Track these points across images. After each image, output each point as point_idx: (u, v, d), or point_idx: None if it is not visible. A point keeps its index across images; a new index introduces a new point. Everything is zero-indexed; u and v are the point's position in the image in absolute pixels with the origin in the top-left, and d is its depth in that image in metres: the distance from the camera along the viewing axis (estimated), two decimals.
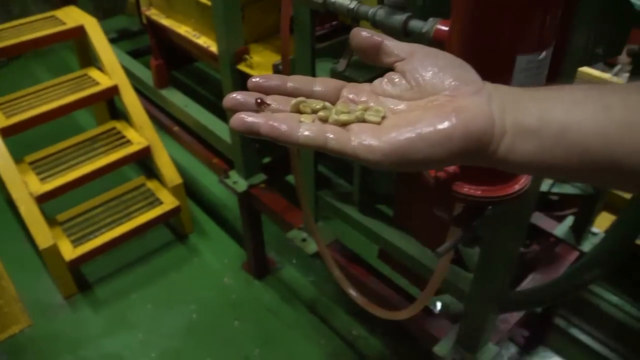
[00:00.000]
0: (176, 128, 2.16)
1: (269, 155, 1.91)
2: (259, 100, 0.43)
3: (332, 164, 1.92)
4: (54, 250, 1.88)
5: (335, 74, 1.11)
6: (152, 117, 2.23)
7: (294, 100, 0.44)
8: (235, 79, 1.57)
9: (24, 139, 2.08)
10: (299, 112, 0.44)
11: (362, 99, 0.46)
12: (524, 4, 0.62)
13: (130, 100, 2.10)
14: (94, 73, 2.22)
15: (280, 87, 0.46)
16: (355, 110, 0.44)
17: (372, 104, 0.45)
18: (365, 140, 0.40)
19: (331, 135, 0.41)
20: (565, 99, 0.40)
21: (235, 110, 0.43)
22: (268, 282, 2.09)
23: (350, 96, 0.46)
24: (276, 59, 1.54)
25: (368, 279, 1.44)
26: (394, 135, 0.40)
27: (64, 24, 2.20)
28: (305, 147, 0.41)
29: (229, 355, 1.84)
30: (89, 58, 2.37)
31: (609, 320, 1.85)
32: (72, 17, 2.24)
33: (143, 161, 2.35)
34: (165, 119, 2.23)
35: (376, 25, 0.85)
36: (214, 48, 1.67)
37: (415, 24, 0.80)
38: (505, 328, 1.32)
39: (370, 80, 0.48)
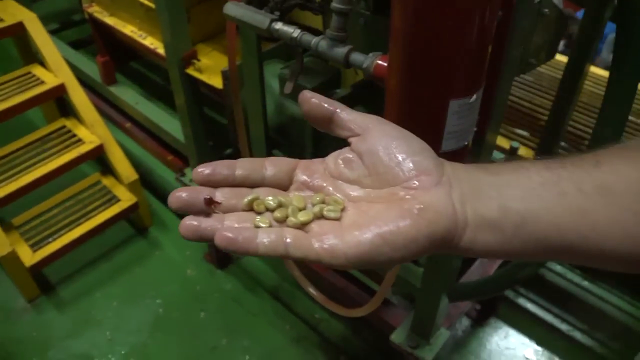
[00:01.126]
0: (128, 125, 2.14)
1: (223, 151, 1.93)
2: (207, 198, 0.41)
3: (288, 150, 1.95)
4: (12, 256, 1.87)
5: (285, 93, 1.13)
6: (103, 113, 2.20)
7: (246, 199, 0.42)
8: (185, 83, 1.57)
9: None
10: (252, 209, 0.42)
11: (316, 182, 0.45)
12: (454, 53, 0.67)
13: (79, 98, 2.07)
14: (38, 70, 2.17)
15: (229, 178, 0.43)
16: (313, 206, 0.42)
17: (330, 188, 0.44)
18: (326, 243, 0.39)
19: (291, 241, 0.39)
20: (523, 185, 0.41)
21: (182, 211, 0.41)
22: (230, 271, 2.13)
23: (304, 178, 0.45)
24: (225, 60, 1.54)
25: (326, 273, 1.51)
26: (357, 238, 0.39)
27: (1, 20, 2.13)
28: (266, 256, 0.40)
29: (197, 347, 1.90)
30: (31, 54, 2.30)
31: (553, 288, 1.98)
32: (9, 12, 2.17)
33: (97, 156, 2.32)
34: (116, 116, 2.21)
35: (319, 55, 0.89)
36: (161, 50, 1.66)
37: (357, 57, 0.84)
38: (456, 312, 1.41)
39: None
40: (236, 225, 0.41)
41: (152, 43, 1.73)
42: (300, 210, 0.42)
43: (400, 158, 0.41)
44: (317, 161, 0.46)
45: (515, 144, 1.52)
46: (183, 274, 2.13)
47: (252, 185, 0.44)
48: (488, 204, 0.40)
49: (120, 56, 2.13)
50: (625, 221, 0.39)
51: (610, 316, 1.91)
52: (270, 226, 0.41)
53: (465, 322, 1.90)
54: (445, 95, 0.68)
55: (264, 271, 2.13)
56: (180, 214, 0.43)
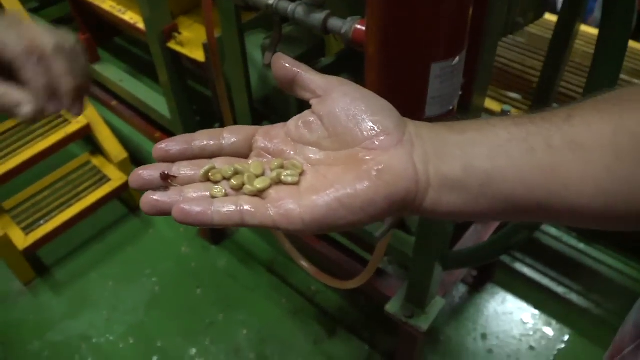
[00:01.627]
0: (114, 102, 2.11)
1: (210, 125, 1.90)
2: (163, 173, 0.41)
3: (276, 122, 1.92)
4: (5, 240, 1.86)
5: (265, 64, 1.10)
6: None
7: (202, 170, 0.42)
8: (167, 58, 1.53)
9: None
10: (210, 180, 0.42)
11: (277, 148, 0.43)
12: (433, 15, 0.64)
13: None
14: None
15: (187, 151, 0.43)
16: (271, 171, 0.41)
17: (290, 152, 0.43)
18: (283, 209, 0.39)
19: (247, 208, 0.39)
20: (489, 143, 0.39)
21: (144, 189, 0.41)
22: (225, 246, 2.13)
23: (264, 144, 0.44)
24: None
25: (318, 245, 1.49)
26: (314, 202, 0.38)
27: None
28: (222, 226, 0.40)
29: (195, 323, 1.90)
30: None
31: (549, 252, 1.97)
32: None
33: (86, 136, 2.29)
34: (101, 94, 2.17)
35: (296, 22, 0.85)
36: (141, 24, 1.62)
37: (335, 22, 0.81)
38: (450, 280, 1.40)
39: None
40: (194, 195, 0.41)
41: (132, 18, 1.68)
42: (257, 177, 0.41)
43: (359, 118, 0.40)
44: (278, 126, 0.45)
45: (506, 107, 1.49)
46: (177, 251, 2.12)
47: (210, 156, 0.44)
48: (452, 164, 0.39)
49: (102, 33, 2.08)
50: (597, 177, 0.37)
51: (606, 277, 1.91)
52: (226, 195, 0.41)
53: (462, 288, 1.90)
54: (426, 58, 0.66)
55: (258, 245, 2.12)
56: None
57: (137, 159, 2.34)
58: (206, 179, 0.42)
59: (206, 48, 1.34)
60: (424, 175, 0.39)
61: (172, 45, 1.49)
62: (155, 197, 0.40)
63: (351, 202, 0.38)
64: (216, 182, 0.42)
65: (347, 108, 0.41)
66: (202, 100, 2.20)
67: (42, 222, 1.99)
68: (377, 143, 0.39)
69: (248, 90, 1.28)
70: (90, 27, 2.02)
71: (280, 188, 0.40)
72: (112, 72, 2.03)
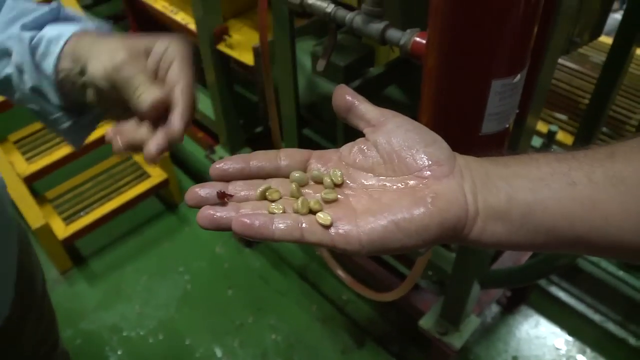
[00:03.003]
0: None
1: (253, 129, 1.92)
2: (220, 192, 0.42)
3: (319, 129, 1.92)
4: (46, 229, 1.90)
5: (318, 71, 1.11)
6: None
7: (259, 189, 0.43)
8: (216, 59, 1.55)
9: (4, 117, 2.07)
10: (266, 199, 0.43)
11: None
12: (498, 31, 0.63)
13: None
14: None
15: (244, 170, 0.45)
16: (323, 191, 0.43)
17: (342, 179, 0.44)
18: (341, 229, 0.40)
19: (306, 226, 0.40)
20: (531, 176, 0.41)
21: (199, 207, 0.42)
22: (259, 249, 2.14)
23: (318, 167, 0.46)
24: (257, 36, 1.52)
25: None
26: (371, 224, 0.39)
27: None
28: (281, 241, 0.41)
29: (224, 323, 1.91)
30: None
31: (587, 277, 1.92)
32: None
33: None
34: None
35: (354, 31, 0.86)
36: (192, 26, 1.65)
37: (393, 33, 0.81)
38: (486, 299, 1.38)
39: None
40: (251, 212, 0.42)
41: (184, 18, 1.71)
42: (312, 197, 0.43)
43: (414, 149, 0.43)
44: (331, 151, 0.47)
45: (553, 128, 1.47)
46: (212, 250, 2.14)
47: (266, 176, 0.45)
48: (497, 195, 0.41)
49: (151, 32, 2.11)
50: (639, 211, 0.38)
51: None
52: (284, 213, 0.42)
53: (494, 308, 1.87)
54: (488, 74, 0.65)
55: (292, 251, 2.12)
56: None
57: (177, 157, 2.37)
58: (263, 198, 0.43)
59: (256, 51, 1.35)
60: (472, 205, 0.41)
61: (221, 47, 1.51)
62: (212, 212, 0.41)
63: (407, 226, 0.39)
64: (272, 201, 0.43)
65: (402, 138, 0.43)
66: (246, 104, 2.22)
67: (82, 213, 2.04)
68: (430, 173, 0.41)
69: (295, 96, 1.29)
70: (141, 26, 2.06)
71: (337, 209, 0.42)
72: None
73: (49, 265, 2.06)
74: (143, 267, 2.10)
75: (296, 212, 0.42)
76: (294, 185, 0.43)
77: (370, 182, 0.43)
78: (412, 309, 1.39)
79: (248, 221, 0.40)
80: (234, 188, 0.44)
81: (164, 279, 2.06)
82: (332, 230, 0.40)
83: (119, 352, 1.84)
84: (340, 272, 1.38)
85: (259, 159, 0.45)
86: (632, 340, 1.77)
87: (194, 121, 2.03)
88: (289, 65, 1.25)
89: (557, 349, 1.77)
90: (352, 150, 0.45)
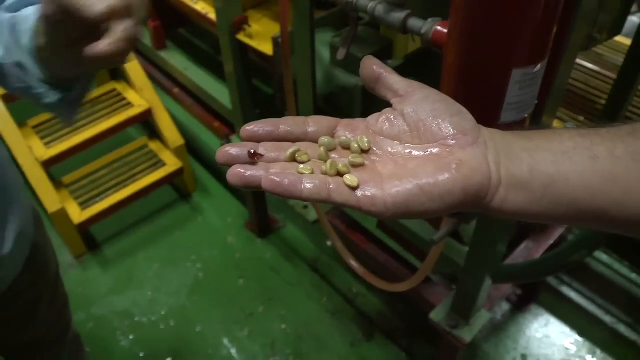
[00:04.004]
0: (176, 90, 2.16)
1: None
2: (252, 152, 0.43)
3: (339, 116, 1.93)
4: (62, 213, 1.93)
5: (334, 60, 1.12)
6: (152, 78, 2.23)
7: (289, 150, 0.44)
8: (235, 49, 1.56)
9: (24, 102, 2.09)
10: (295, 161, 0.44)
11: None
12: (520, 21, 0.64)
13: (130, 62, 2.09)
14: None
15: (274, 133, 0.46)
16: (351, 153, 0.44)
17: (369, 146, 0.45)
18: (367, 191, 0.41)
19: (334, 187, 0.41)
20: (554, 149, 0.42)
21: (229, 164, 0.43)
22: (270, 240, 2.15)
23: (346, 134, 0.47)
24: (275, 27, 1.53)
25: (368, 246, 1.50)
26: (396, 188, 0.41)
27: None
28: (309, 200, 0.42)
29: (235, 312, 1.92)
30: None
31: (598, 278, 1.92)
32: None
33: (144, 120, 2.36)
34: (165, 81, 2.23)
35: (375, 20, 0.86)
36: (212, 15, 1.66)
37: (415, 23, 0.81)
38: (497, 295, 1.38)
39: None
40: (281, 171, 0.43)
41: (204, 8, 1.72)
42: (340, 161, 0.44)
43: (440, 118, 0.44)
44: (358, 120, 0.48)
45: (569, 126, 1.47)
46: (224, 240, 2.16)
47: (295, 140, 0.46)
48: (519, 165, 0.42)
49: (170, 22, 2.13)
50: None
51: None
52: (313, 174, 0.43)
53: (505, 306, 1.87)
54: (508, 63, 0.65)
55: (303, 242, 2.14)
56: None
57: (192, 147, 2.39)
58: (292, 159, 0.44)
59: (275, 41, 1.36)
60: (495, 174, 0.42)
61: (241, 37, 1.52)
62: (242, 170, 0.42)
63: (431, 190, 0.40)
64: (301, 163, 0.44)
65: (429, 108, 0.44)
66: (262, 96, 2.23)
67: (97, 199, 2.06)
68: (455, 141, 0.43)
69: (313, 86, 1.30)
70: (161, 15, 2.08)
71: (364, 173, 0.43)
72: (177, 60, 2.09)
73: (63, 249, 2.08)
74: (155, 255, 2.12)
75: (324, 173, 0.43)
76: (322, 149, 0.44)
77: (397, 149, 0.44)
78: (423, 301, 1.39)
79: (278, 179, 0.41)
80: (264, 149, 0.44)
81: (176, 267, 2.07)
82: (359, 192, 0.41)
83: (131, 337, 1.86)
84: (352, 262, 1.39)
85: (287, 124, 0.46)
86: None
87: (209, 110, 2.05)
88: (308, 56, 1.26)
89: (567, 349, 1.77)
90: (379, 119, 0.46)
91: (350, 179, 0.42)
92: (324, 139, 0.45)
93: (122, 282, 2.03)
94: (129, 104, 2.14)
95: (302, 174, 0.42)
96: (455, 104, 0.46)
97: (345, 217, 1.57)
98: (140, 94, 2.13)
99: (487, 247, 1.14)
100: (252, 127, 0.46)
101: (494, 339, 1.80)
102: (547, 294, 1.88)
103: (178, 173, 2.17)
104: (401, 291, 1.30)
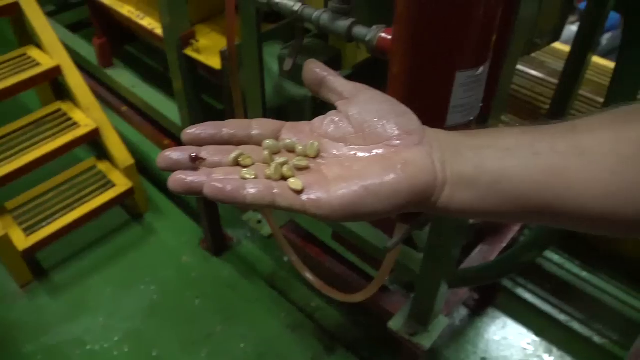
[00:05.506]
0: (124, 108, 2.11)
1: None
2: (193, 156, 0.42)
3: None
4: (5, 240, 1.85)
5: (282, 70, 1.11)
6: (99, 96, 2.17)
7: (232, 154, 0.43)
8: (183, 64, 1.54)
9: None
10: (238, 164, 0.43)
11: (302, 142, 0.46)
12: (461, 24, 0.64)
13: (75, 81, 2.04)
14: (33, 52, 2.13)
15: (216, 136, 0.45)
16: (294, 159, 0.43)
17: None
18: (312, 194, 0.41)
19: (278, 191, 0.41)
20: (498, 147, 0.42)
21: (171, 170, 0.42)
22: (226, 258, 2.12)
23: (290, 137, 0.46)
24: (224, 41, 1.51)
25: (324, 259, 1.49)
26: (342, 190, 0.40)
27: None
28: (254, 206, 0.41)
29: (192, 333, 1.88)
30: (27, 35, 2.27)
31: (552, 278, 1.96)
32: None
33: (93, 140, 2.30)
34: (112, 99, 2.17)
35: (321, 29, 0.86)
36: (159, 30, 1.63)
37: (360, 30, 0.81)
38: (455, 300, 1.39)
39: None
40: (223, 177, 0.42)
41: (150, 24, 1.70)
42: (284, 164, 0.43)
43: (385, 119, 0.44)
44: (303, 123, 0.47)
45: None
46: (178, 260, 2.11)
47: (238, 143, 0.46)
48: (465, 164, 0.42)
49: (117, 38, 2.09)
50: (601, 180, 0.39)
51: (609, 306, 1.89)
52: (257, 178, 0.42)
53: (463, 311, 1.89)
54: (452, 66, 0.66)
55: (259, 258, 2.11)
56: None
57: (143, 166, 2.34)
58: (235, 163, 0.43)
59: (223, 55, 1.35)
60: (441, 173, 0.42)
61: (188, 52, 1.50)
62: (183, 176, 0.41)
63: (378, 191, 0.40)
64: (245, 167, 0.43)
65: (374, 109, 0.45)
66: (213, 112, 2.21)
67: (44, 224, 1.98)
68: (400, 141, 0.43)
69: (263, 99, 1.29)
70: (107, 32, 2.03)
71: (309, 176, 0.42)
72: (124, 77, 2.04)
73: (8, 278, 1.99)
74: (108, 278, 2.05)
75: (268, 178, 0.42)
76: (266, 152, 0.44)
77: (342, 152, 0.44)
78: (381, 311, 1.39)
79: (220, 185, 0.40)
80: (206, 153, 0.44)
81: (130, 290, 2.01)
82: (304, 195, 0.41)
83: None
84: (309, 275, 1.38)
85: (231, 127, 0.46)
86: (596, 339, 1.81)
87: (159, 128, 2.01)
88: (256, 69, 1.25)
89: (525, 349, 1.80)
90: (324, 122, 0.46)
91: (294, 182, 0.41)
92: (268, 142, 0.45)
93: (73, 309, 1.95)
94: (75, 124, 2.08)
95: (245, 178, 0.42)
96: (400, 105, 0.46)
97: (300, 231, 1.56)
98: (86, 114, 2.07)
99: (442, 253, 1.15)
100: (193, 130, 0.45)
101: (454, 344, 1.81)
102: (503, 297, 1.91)
103: (129, 193, 2.11)
104: (359, 301, 1.30)
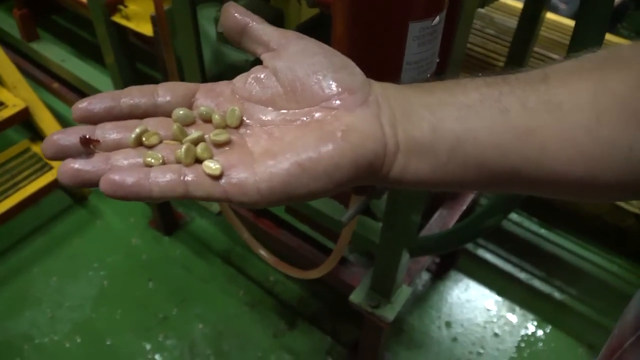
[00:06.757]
0: (56, 85, 1.96)
1: None
2: (83, 137, 0.34)
3: None
4: None
5: (219, 33, 1.01)
6: (25, 73, 2.01)
7: (133, 133, 0.35)
8: (112, 33, 1.41)
9: None
10: (142, 145, 0.35)
11: (222, 107, 0.38)
12: None
13: None
14: None
15: (114, 110, 0.36)
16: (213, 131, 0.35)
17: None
18: (234, 178, 0.33)
19: (191, 179, 0.33)
20: (459, 103, 0.36)
21: (59, 159, 0.34)
22: (178, 237, 2.02)
23: (206, 104, 0.38)
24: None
25: (278, 233, 1.41)
26: (270, 168, 0.33)
27: None
28: (163, 200, 0.33)
29: (147, 318, 1.79)
30: None
31: (511, 237, 1.95)
32: None
33: (25, 121, 2.14)
34: (42, 75, 2.01)
35: None
36: None
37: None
38: (416, 268, 1.35)
39: None
40: (125, 163, 0.34)
41: None
42: (199, 140, 0.35)
43: (320, 75, 0.36)
44: (222, 83, 0.39)
45: None
46: (127, 242, 2.00)
47: (142, 116, 0.37)
48: (420, 125, 0.36)
49: (40, 9, 1.92)
50: (577, 139, 0.34)
51: (568, 263, 1.90)
52: (164, 163, 0.34)
53: (425, 276, 1.86)
54: (404, 16, 0.58)
55: (213, 235, 2.02)
56: None
57: None
58: (138, 143, 0.35)
59: (154, 21, 1.23)
60: (392, 138, 0.35)
61: (117, 18, 1.38)
62: (76, 166, 0.34)
63: (314, 167, 0.33)
64: (150, 147, 0.35)
65: (307, 63, 0.37)
66: (150, 83, 2.08)
67: None
68: (340, 102, 0.36)
69: (201, 67, 1.19)
70: (28, 2, 1.86)
71: (231, 154, 0.35)
72: (53, 51, 1.89)
73: None
74: (52, 268, 1.93)
75: (179, 161, 0.34)
76: (176, 126, 0.35)
77: (270, 118, 0.37)
78: (342, 284, 1.33)
79: (117, 179, 0.32)
80: (102, 132, 0.35)
81: (77, 278, 1.90)
82: (224, 180, 0.33)
83: None
84: (262, 252, 1.31)
85: (132, 95, 0.37)
86: (557, 295, 1.81)
87: None
88: (191, 34, 1.14)
89: (488, 310, 1.78)
90: (247, 81, 0.38)
91: (211, 166, 0.33)
92: (179, 112, 0.36)
93: (16, 304, 1.83)
94: (2, 104, 1.92)
95: (151, 165, 0.34)
96: (339, 56, 0.38)
97: None
98: (13, 92, 1.91)
99: (401, 221, 1.09)
100: (84, 105, 0.36)
101: (417, 310, 1.78)
102: (464, 259, 1.89)
103: None
104: (316, 277, 1.23)
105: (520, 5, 1.79)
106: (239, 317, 1.79)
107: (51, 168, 1.97)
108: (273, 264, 1.31)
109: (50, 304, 1.83)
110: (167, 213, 1.97)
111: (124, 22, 1.37)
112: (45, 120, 1.93)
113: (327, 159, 0.33)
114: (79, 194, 2.11)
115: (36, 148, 2.03)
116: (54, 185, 1.96)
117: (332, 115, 0.35)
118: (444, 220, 1.41)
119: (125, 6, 1.38)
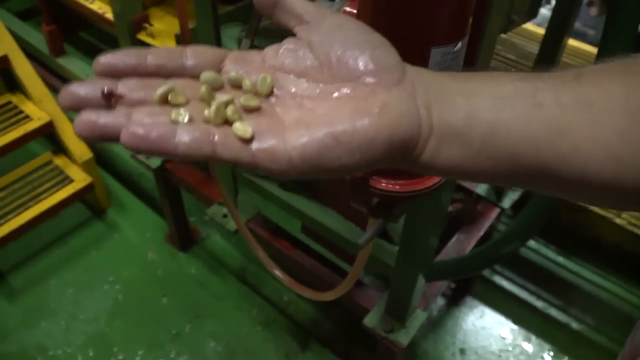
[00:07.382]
0: None
1: None
2: (106, 91, 0.32)
3: None
4: None
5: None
6: (51, 87, 2.05)
7: (159, 90, 0.33)
8: None
9: None
10: (168, 103, 0.33)
11: (252, 77, 0.36)
12: None
13: (25, 71, 1.91)
14: None
15: (139, 67, 0.35)
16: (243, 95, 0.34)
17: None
18: (265, 143, 0.32)
19: (219, 139, 0.32)
20: (494, 94, 0.35)
21: (76, 109, 0.32)
22: (194, 253, 2.03)
23: (235, 71, 0.37)
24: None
25: (293, 253, 1.41)
26: (304, 138, 0.32)
27: None
28: (187, 158, 0.32)
29: (160, 334, 1.79)
30: None
31: (528, 265, 1.93)
32: None
33: (48, 134, 2.18)
34: None
35: None
36: (110, 14, 1.53)
37: (322, 4, 0.73)
38: (432, 292, 1.33)
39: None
40: (149, 119, 0.32)
41: (100, 7, 1.59)
42: (229, 103, 0.33)
43: (357, 50, 0.35)
44: (252, 52, 0.38)
45: None
46: (143, 257, 2.01)
47: (168, 77, 0.35)
48: (454, 111, 0.35)
49: (68, 25, 1.97)
50: (608, 140, 0.34)
51: (585, 291, 1.87)
52: (192, 121, 0.32)
53: (440, 301, 1.84)
54: (427, 42, 0.59)
55: (229, 252, 2.03)
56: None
57: (103, 159, 2.23)
58: (164, 102, 0.33)
59: (178, 39, 1.25)
60: (426, 121, 0.35)
61: (142, 36, 1.41)
62: (94, 117, 0.31)
63: (349, 140, 0.32)
64: (176, 107, 0.33)
65: (343, 37, 0.36)
66: None
67: None
68: (376, 79, 0.35)
69: None
70: (57, 19, 1.91)
71: (261, 119, 0.34)
72: (78, 66, 1.93)
73: None
74: (69, 280, 1.94)
75: (207, 121, 0.33)
76: (204, 88, 0.34)
77: (302, 89, 0.36)
78: (356, 306, 1.32)
79: (142, 131, 0.30)
80: (125, 87, 0.34)
81: (93, 291, 1.91)
82: (254, 145, 0.32)
83: None
84: (277, 272, 1.30)
85: (158, 55, 0.35)
86: (574, 324, 1.78)
87: None
88: None
89: (503, 338, 1.76)
90: (279, 52, 0.37)
91: (241, 128, 0.32)
92: (207, 74, 0.35)
93: (33, 314, 1.85)
94: (27, 117, 1.96)
95: (177, 122, 0.32)
96: (376, 35, 0.37)
97: (268, 224, 1.48)
98: (39, 106, 1.95)
99: (417, 245, 1.08)
100: (108, 59, 0.34)
101: (432, 335, 1.76)
102: (480, 285, 1.87)
103: (88, 189, 2.00)
104: (331, 299, 1.23)
105: (541, 30, 1.79)
106: (251, 336, 1.78)
107: (72, 181, 2.00)
108: (288, 284, 1.30)
109: (65, 315, 1.84)
110: (183, 228, 1.98)
111: (148, 40, 1.40)
112: (67, 133, 1.96)
113: (363, 134, 0.32)
114: (97, 207, 2.13)
115: (58, 161, 2.06)
116: (74, 198, 1.98)
117: (369, 91, 0.34)
118: (461, 245, 1.40)
119: (151, 24, 1.40)
